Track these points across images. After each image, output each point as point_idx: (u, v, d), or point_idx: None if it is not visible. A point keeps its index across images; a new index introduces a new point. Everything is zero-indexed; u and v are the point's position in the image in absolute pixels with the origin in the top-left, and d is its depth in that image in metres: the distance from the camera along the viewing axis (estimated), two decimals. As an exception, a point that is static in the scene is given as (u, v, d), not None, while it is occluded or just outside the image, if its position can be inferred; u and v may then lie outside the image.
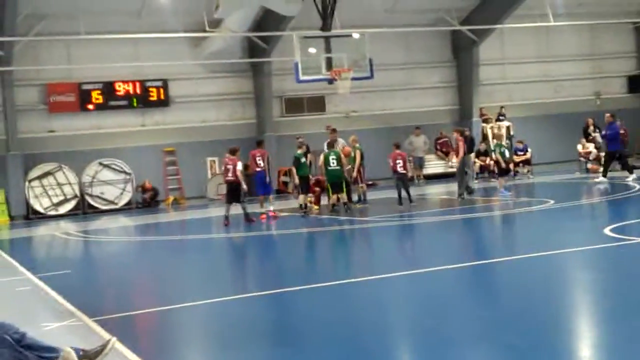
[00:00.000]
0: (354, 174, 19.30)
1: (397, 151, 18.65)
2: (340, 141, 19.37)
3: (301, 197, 18.16)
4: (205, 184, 26.91)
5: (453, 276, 9.37)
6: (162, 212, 24.54)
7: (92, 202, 25.24)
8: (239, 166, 17.22)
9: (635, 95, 32.34)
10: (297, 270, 11.06)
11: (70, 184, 24.96)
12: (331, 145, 18.17)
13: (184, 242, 16.41)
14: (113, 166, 25.46)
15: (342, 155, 18.06)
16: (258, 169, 18.52)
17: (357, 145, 19.70)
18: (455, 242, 12.73)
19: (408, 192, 18.15)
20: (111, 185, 25.32)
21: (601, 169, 24.11)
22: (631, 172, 20.34)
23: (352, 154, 19.24)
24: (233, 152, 17.63)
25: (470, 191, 18.99)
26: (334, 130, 19.62)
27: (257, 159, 18.52)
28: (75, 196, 24.99)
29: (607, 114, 21.46)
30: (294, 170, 18.31)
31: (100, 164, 25.33)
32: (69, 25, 23.72)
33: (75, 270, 12.57)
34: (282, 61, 26.24)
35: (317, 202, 19.28)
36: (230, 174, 17.26)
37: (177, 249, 15.19)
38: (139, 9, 24.59)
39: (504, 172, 19.58)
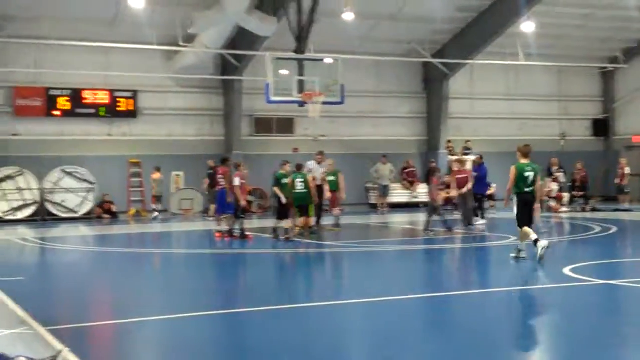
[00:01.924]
0: (343, 195, 19.32)
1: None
2: (309, 164, 19.24)
3: (285, 222, 17.03)
4: (169, 198, 26.66)
5: (409, 307, 9.35)
6: (123, 223, 24.23)
7: (52, 210, 24.84)
8: (236, 181, 17.21)
9: (599, 139, 32.96)
10: (255, 291, 10.97)
11: (30, 189, 24.57)
12: (299, 167, 18.02)
13: (142, 255, 16.19)
14: (76, 174, 25.13)
15: (310, 179, 17.92)
16: (219, 187, 18.39)
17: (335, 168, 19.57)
18: (415, 273, 12.74)
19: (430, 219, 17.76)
20: (73, 194, 24.96)
21: (562, 208, 24.52)
22: (482, 218, 20.12)
23: (334, 178, 19.10)
24: (237, 167, 17.83)
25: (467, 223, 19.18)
26: (321, 153, 19.61)
27: (219, 177, 18.40)
28: (35, 202, 24.59)
29: (477, 156, 21.28)
30: (277, 190, 17.37)
31: (63, 171, 24.99)
32: (40, 30, 23.51)
33: (29, 278, 12.30)
34: (254, 80, 26.27)
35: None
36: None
37: (136, 262, 14.98)
38: (113, 18, 24.45)
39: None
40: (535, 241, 12.30)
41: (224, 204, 18.18)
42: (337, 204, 19.34)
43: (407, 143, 29.99)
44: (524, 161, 12.98)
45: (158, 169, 25.20)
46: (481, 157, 21.10)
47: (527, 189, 12.79)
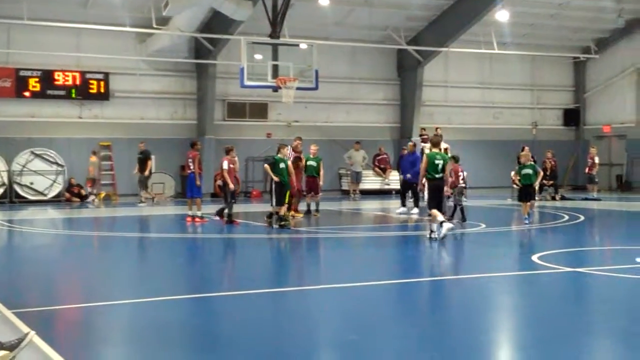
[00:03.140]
0: (321, 183, 19.21)
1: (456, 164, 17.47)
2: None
3: (282, 209, 16.47)
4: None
5: (383, 292, 9.40)
6: (92, 206, 24.03)
7: (20, 192, 24.54)
8: (224, 165, 17.16)
9: (569, 128, 33.29)
10: (225, 275, 10.96)
11: (-1, 171, 24.25)
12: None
13: (111, 238, 16.08)
14: (45, 156, 24.82)
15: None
16: (189, 171, 18.28)
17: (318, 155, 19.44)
18: (386, 259, 12.79)
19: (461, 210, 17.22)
20: (42, 176, 24.67)
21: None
22: (416, 206, 19.62)
23: (315, 164, 18.95)
24: (227, 151, 17.63)
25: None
26: (299, 138, 19.41)
27: (189, 161, 18.29)
28: (3, 184, 24.27)
29: (410, 143, 20.65)
30: (268, 168, 16.88)
31: (32, 153, 24.68)
32: (11, 9, 23.10)
33: (-4, 260, 12.18)
34: (228, 65, 26.13)
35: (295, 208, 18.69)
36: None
37: (104, 246, 14.89)
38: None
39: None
40: (442, 223, 13.62)
41: (193, 188, 18.10)
42: (318, 189, 19.20)
43: (380, 130, 30.05)
44: (434, 150, 14.44)
45: (95, 152, 25.11)
46: (414, 145, 20.67)
47: (437, 176, 14.07)
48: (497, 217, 17.33)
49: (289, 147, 18.43)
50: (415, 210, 19.60)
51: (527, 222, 16.41)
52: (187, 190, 18.51)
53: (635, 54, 30.72)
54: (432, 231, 13.99)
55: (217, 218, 17.58)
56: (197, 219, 17.85)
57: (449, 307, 8.51)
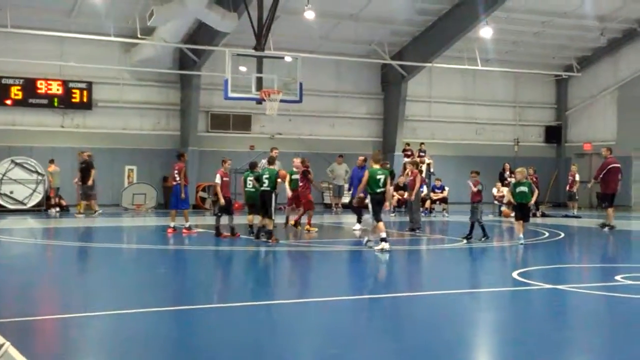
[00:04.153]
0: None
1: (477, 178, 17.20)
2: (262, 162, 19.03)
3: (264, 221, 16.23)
4: (121, 192, 26.33)
5: (356, 307, 9.39)
6: (72, 217, 23.83)
7: (0, 202, 24.30)
8: (217, 178, 17.07)
9: (551, 145, 33.53)
10: (205, 287, 10.89)
11: (-22, 179, 24.03)
12: (252, 166, 17.73)
13: (91, 249, 15.95)
14: (25, 165, 24.60)
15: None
16: (174, 183, 18.17)
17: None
18: (362, 275, 12.79)
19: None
20: (22, 185, 24.45)
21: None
22: (359, 222, 18.93)
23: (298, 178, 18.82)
24: (179, 157, 17.67)
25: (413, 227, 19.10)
26: (275, 148, 19.28)
27: (175, 172, 18.20)
28: (-18, 193, 24.06)
29: (360, 157, 19.85)
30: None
31: (13, 161, 24.46)
32: (-3, 17, 23.01)
33: (-27, 270, 12.04)
34: (212, 76, 26.12)
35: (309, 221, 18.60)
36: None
37: (83, 256, 14.76)
38: (71, 8, 24.06)
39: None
40: (383, 239, 14.34)
41: (178, 199, 17.98)
42: (299, 203, 19.11)
43: (364, 144, 30.09)
44: (375, 166, 14.85)
45: (52, 161, 24.64)
46: (365, 159, 19.81)
47: (378, 190, 14.60)
48: (479, 233, 17.34)
49: (296, 159, 18.59)
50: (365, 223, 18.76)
51: (521, 242, 15.68)
52: (172, 201, 18.36)
53: (617, 73, 31.07)
54: (369, 240, 14.81)
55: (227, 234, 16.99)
56: (184, 230, 17.74)
57: (426, 323, 8.49)
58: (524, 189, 16.13)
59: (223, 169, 17.26)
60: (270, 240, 15.80)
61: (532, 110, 33.33)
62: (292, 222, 18.96)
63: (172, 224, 18.03)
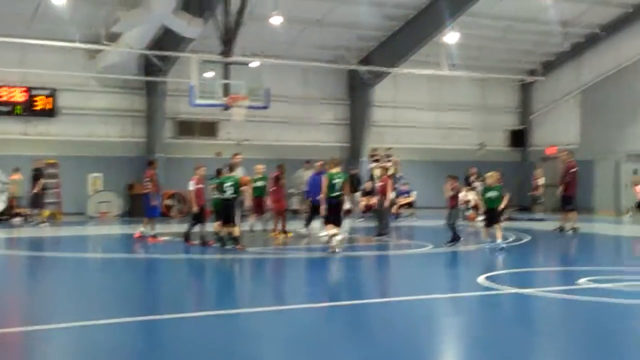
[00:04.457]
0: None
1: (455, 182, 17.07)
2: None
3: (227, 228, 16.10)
4: (86, 200, 26.03)
5: (322, 315, 9.36)
6: (35, 226, 23.47)
7: (-37, 211, 23.88)
8: (190, 185, 16.82)
9: (515, 149, 33.88)
10: (170, 297, 10.79)
11: (-61, 188, 23.58)
12: (219, 173, 17.53)
13: (54, 259, 15.72)
14: (-11, 174, 24.20)
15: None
16: (145, 190, 18.02)
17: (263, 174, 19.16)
18: (328, 281, 12.78)
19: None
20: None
21: (478, 217, 24.97)
22: (306, 226, 18.41)
23: (263, 184, 18.64)
24: (149, 164, 17.53)
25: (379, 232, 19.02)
26: (237, 154, 19.14)
27: (145, 179, 18.06)
28: (-56, 201, 23.62)
29: (319, 162, 18.85)
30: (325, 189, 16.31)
31: (-24, 169, 24.05)
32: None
33: None
34: (178, 82, 25.95)
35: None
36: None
37: (46, 266, 14.53)
38: (32, 14, 23.73)
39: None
40: (332, 235, 14.93)
41: (149, 207, 17.85)
42: (264, 209, 19.03)
43: (331, 149, 29.99)
44: (333, 171, 15.33)
45: (17, 170, 24.00)
46: (323, 165, 19.28)
47: (333, 194, 15.09)
48: (445, 238, 17.43)
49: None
50: (313, 228, 18.50)
51: (502, 245, 15.66)
52: (145, 209, 18.22)
53: (580, 77, 31.50)
54: (330, 245, 15.02)
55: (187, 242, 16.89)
56: (150, 238, 17.60)
57: (393, 330, 8.49)
58: (495, 193, 16.01)
59: (197, 176, 17.07)
60: (237, 247, 15.72)
61: (497, 114, 33.66)
62: (276, 233, 18.65)
63: (141, 229, 17.87)
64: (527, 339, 8.08)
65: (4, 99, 24.97)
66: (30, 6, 23.47)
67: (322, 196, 15.33)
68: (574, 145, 30.98)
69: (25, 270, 13.82)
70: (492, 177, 16.31)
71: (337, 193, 15.14)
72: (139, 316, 9.05)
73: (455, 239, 16.67)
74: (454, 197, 16.84)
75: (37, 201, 23.19)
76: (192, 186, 16.87)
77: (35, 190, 22.98)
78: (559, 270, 14.09)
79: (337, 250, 14.90)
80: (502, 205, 16.34)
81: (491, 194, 16.07)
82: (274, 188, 18.98)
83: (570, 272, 13.40)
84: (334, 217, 15.16)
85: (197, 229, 16.99)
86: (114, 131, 27.11)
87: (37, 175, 23.19)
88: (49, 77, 25.11)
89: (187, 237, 16.86)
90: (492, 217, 16.09)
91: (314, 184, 17.49)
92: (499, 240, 15.77)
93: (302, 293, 11.18)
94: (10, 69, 24.44)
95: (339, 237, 14.98)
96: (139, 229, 18.05)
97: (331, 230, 14.99)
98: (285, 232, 18.62)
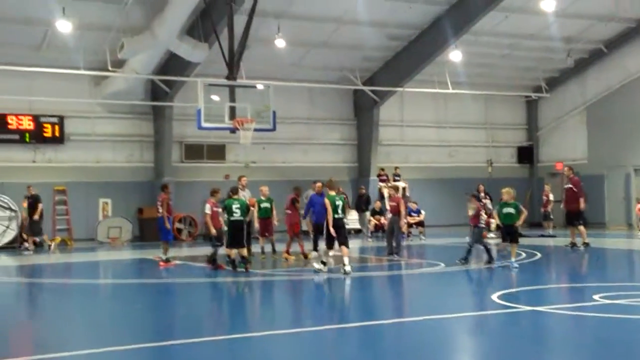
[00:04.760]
0: (275, 223, 18.72)
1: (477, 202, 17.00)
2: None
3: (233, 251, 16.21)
4: (96, 226, 26.06)
5: (336, 337, 9.32)
6: (46, 252, 23.48)
7: (-25, 239, 23.88)
8: (207, 209, 16.72)
9: (523, 166, 33.85)
10: (184, 322, 10.76)
11: (-51, 217, 23.62)
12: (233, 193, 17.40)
13: (67, 286, 15.71)
14: (-2, 202, 24.22)
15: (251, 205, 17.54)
16: (159, 215, 18.05)
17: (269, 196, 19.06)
18: (341, 302, 12.73)
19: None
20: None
21: (489, 234, 24.89)
22: (315, 250, 17.71)
23: (269, 205, 18.55)
24: (212, 193, 17.17)
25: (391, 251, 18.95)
26: (243, 176, 19.11)
27: (158, 204, 18.11)
28: (-47, 231, 23.65)
29: (319, 183, 18.47)
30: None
31: (-16, 198, 24.09)
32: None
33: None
34: (185, 106, 26.04)
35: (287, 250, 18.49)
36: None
37: (59, 293, 14.51)
38: (40, 42, 23.90)
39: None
40: (323, 262, 15.37)
41: (163, 230, 17.88)
42: (271, 231, 18.95)
43: (338, 169, 30.13)
44: (332, 193, 15.60)
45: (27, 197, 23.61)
46: (323, 185, 19.02)
47: (336, 215, 15.34)
48: (457, 256, 17.34)
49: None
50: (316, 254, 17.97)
51: (515, 265, 15.40)
52: (159, 233, 18.26)
53: (585, 93, 31.51)
54: (344, 264, 15.06)
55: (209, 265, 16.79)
56: (162, 263, 17.60)
57: (406, 351, 8.43)
58: (511, 210, 15.78)
59: (214, 199, 17.04)
60: (245, 269, 15.75)
61: (504, 131, 33.66)
62: (289, 255, 18.45)
63: (164, 256, 17.87)
64: (546, 357, 8.02)
65: (14, 127, 25.07)
66: (38, 35, 23.64)
67: (329, 218, 15.36)
68: (581, 160, 30.95)
69: (37, 298, 13.80)
70: (507, 193, 16.07)
71: (340, 215, 15.41)
72: (154, 342, 9.01)
73: (491, 258, 16.26)
74: (477, 216, 16.62)
75: (35, 228, 22.84)
76: (208, 209, 16.81)
77: (35, 217, 22.66)
78: (573, 287, 14.00)
79: (348, 271, 14.97)
80: (519, 222, 16.05)
81: (507, 210, 15.86)
82: (291, 211, 18.88)
83: (585, 288, 13.33)
84: (342, 238, 15.30)
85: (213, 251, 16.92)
86: (122, 156, 27.19)
87: (34, 202, 22.82)
88: (56, 104, 25.22)
89: (212, 260, 16.76)
90: (508, 234, 15.89)
91: (315, 205, 17.37)
92: (513, 259, 15.62)
93: (315, 315, 11.13)
94: (19, 97, 24.56)
95: (345, 260, 15.13)
96: (157, 255, 18.00)
97: (328, 254, 15.24)
98: (304, 254, 18.43)
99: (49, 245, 22.80)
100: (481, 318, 10.48)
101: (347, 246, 15.35)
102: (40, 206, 22.77)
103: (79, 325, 10.65)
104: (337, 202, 15.42)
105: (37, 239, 24.26)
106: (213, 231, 16.68)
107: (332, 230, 15.34)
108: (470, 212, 16.56)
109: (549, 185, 27.66)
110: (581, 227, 20.62)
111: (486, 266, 16.12)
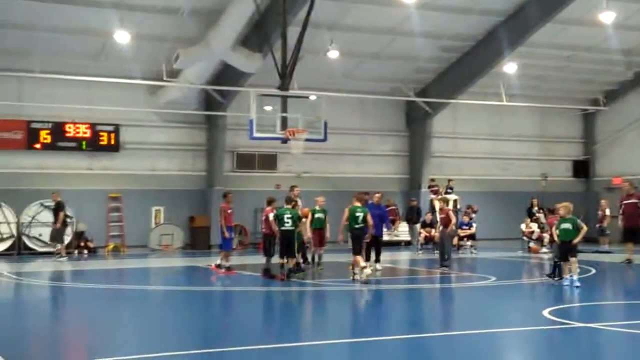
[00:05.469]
0: (327, 235, 18.58)
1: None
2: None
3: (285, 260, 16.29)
4: (148, 233, 26.44)
5: (387, 348, 9.23)
6: (100, 258, 23.92)
7: (29, 243, 24.47)
8: (270, 217, 16.80)
9: (579, 180, 33.19)
10: (235, 329, 10.80)
11: (8, 222, 24.26)
12: (288, 202, 17.36)
13: (120, 291, 15.94)
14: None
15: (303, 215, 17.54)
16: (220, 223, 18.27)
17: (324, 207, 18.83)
18: (391, 314, 12.62)
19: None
20: (50, 228, 24.52)
21: (542, 249, 24.48)
22: (377, 261, 18.15)
23: (322, 216, 18.34)
24: (269, 202, 17.32)
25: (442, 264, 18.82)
26: (295, 186, 19.19)
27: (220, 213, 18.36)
28: (12, 236, 24.26)
29: (377, 194, 18.97)
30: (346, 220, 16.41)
31: (42, 204, 24.65)
32: (24, 63, 23.47)
33: (1, 315, 12.05)
34: (237, 116, 26.28)
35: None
36: (264, 226, 17.33)
37: (112, 298, 14.74)
38: (99, 52, 24.43)
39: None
40: (362, 267, 15.52)
41: (222, 239, 18.02)
42: (324, 242, 18.87)
43: (389, 181, 30.00)
44: (356, 204, 16.12)
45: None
46: (382, 196, 19.48)
47: (356, 226, 15.84)
48: (508, 270, 17.07)
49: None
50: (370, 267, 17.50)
51: (567, 284, 14.73)
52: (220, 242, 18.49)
53: (645, 106, 30.76)
54: (354, 273, 15.66)
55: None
56: (220, 270, 17.77)
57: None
58: (568, 225, 14.95)
59: (271, 208, 17.11)
60: (291, 277, 15.86)
61: (560, 144, 33.08)
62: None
63: (221, 262, 18.02)
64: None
65: (71, 135, 25.65)
66: (97, 45, 24.16)
67: (340, 229, 16.45)
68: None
69: (93, 303, 14.03)
70: (565, 207, 15.25)
71: (360, 225, 15.82)
72: (212, 348, 9.06)
73: (560, 273, 15.60)
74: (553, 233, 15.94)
75: (58, 235, 22.67)
76: (272, 217, 16.75)
77: (57, 225, 22.55)
78: (627, 304, 13.62)
79: (364, 279, 15.42)
80: (577, 239, 14.95)
81: (565, 225, 15.04)
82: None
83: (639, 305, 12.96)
84: (359, 248, 15.78)
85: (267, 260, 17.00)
86: (175, 165, 27.55)
87: (57, 208, 22.80)
88: (112, 113, 25.73)
89: (266, 270, 16.81)
90: (566, 250, 14.99)
91: (374, 217, 17.27)
92: (575, 277, 14.79)
93: (360, 326, 11.05)
94: (77, 105, 25.12)
95: (367, 271, 15.57)
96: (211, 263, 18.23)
97: (360, 262, 15.58)
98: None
99: (60, 254, 22.32)
100: (531, 333, 10.26)
101: (361, 256, 15.82)
102: (62, 214, 22.54)
103: (131, 331, 10.78)
104: (357, 214, 15.88)
105: (91, 245, 24.77)
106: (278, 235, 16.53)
107: (340, 237, 16.47)
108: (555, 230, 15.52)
109: (605, 200, 27.06)
110: (629, 244, 20.10)
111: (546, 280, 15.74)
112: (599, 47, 26.98)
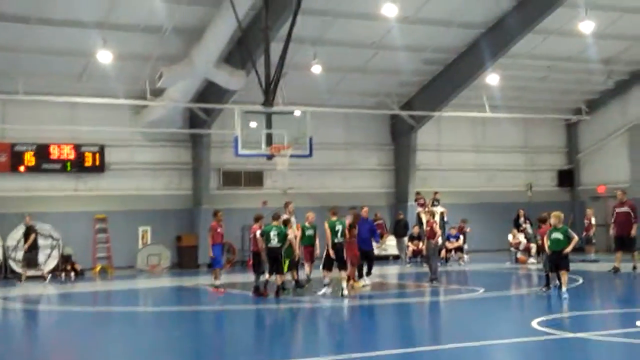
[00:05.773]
0: (317, 252, 18.37)
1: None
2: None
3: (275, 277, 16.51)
4: (136, 253, 26.30)
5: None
6: (88, 280, 23.75)
7: (15, 267, 24.23)
8: (257, 234, 16.85)
9: (564, 189, 33.35)
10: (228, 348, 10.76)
11: (-8, 246, 24.03)
12: (275, 218, 17.28)
13: (108, 313, 15.83)
14: (40, 231, 24.50)
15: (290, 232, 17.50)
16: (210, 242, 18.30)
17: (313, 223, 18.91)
18: (380, 329, 12.61)
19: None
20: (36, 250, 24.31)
21: (530, 260, 24.54)
22: (369, 274, 18.44)
23: (313, 233, 18.13)
24: (256, 219, 17.30)
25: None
26: (289, 202, 19.17)
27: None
28: (-3, 259, 24.02)
29: (365, 208, 19.21)
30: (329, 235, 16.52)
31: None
32: (7, 84, 23.34)
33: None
34: (222, 134, 26.25)
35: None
36: (252, 243, 17.38)
37: (102, 321, 14.63)
38: (81, 72, 24.36)
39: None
40: (325, 284, 16.25)
41: (212, 258, 18.12)
42: (313, 258, 18.78)
43: (376, 195, 30.02)
44: (333, 218, 16.59)
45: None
46: (367, 210, 19.40)
47: (336, 240, 16.30)
48: (497, 281, 17.10)
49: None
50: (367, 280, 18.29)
51: (564, 295, 14.49)
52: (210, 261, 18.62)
53: (627, 114, 31.02)
54: (343, 288, 15.78)
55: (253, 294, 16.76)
56: (212, 289, 17.74)
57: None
58: (559, 235, 14.85)
59: (258, 225, 17.10)
60: (284, 293, 15.92)
61: (544, 155, 33.26)
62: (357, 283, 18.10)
63: (215, 283, 18.03)
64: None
65: (55, 156, 25.48)
66: (79, 65, 24.08)
67: (328, 243, 16.42)
68: (624, 183, 30.33)
69: (79, 326, 13.92)
70: (556, 217, 15.08)
71: (340, 239, 16.26)
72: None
73: (548, 282, 15.78)
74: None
75: (27, 259, 22.49)
76: (259, 234, 16.76)
77: (24, 249, 22.40)
78: (615, 313, 13.67)
79: (345, 294, 15.66)
80: (568, 249, 14.91)
81: (555, 235, 14.92)
82: (350, 238, 18.18)
83: (628, 314, 13.01)
84: (340, 260, 16.11)
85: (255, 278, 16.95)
86: (161, 184, 27.44)
87: (28, 232, 22.60)
88: (96, 133, 25.62)
89: (256, 288, 16.75)
90: (557, 260, 14.92)
91: (362, 231, 17.38)
92: (564, 289, 14.69)
93: (355, 341, 11.03)
94: (60, 126, 25.02)
95: (328, 290, 16.09)
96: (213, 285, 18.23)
97: (326, 277, 16.15)
98: (355, 280, 18.17)
99: (21, 277, 22.24)
100: (521, 345, 10.26)
101: (345, 269, 16.09)
102: (32, 237, 22.42)
103: (121, 353, 10.70)
104: (337, 227, 16.33)
105: (78, 267, 24.60)
106: (264, 257, 16.54)
107: (331, 252, 16.18)
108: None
109: (591, 209, 27.19)
110: (636, 253, 20.27)
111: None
112: (580, 56, 27.23)
